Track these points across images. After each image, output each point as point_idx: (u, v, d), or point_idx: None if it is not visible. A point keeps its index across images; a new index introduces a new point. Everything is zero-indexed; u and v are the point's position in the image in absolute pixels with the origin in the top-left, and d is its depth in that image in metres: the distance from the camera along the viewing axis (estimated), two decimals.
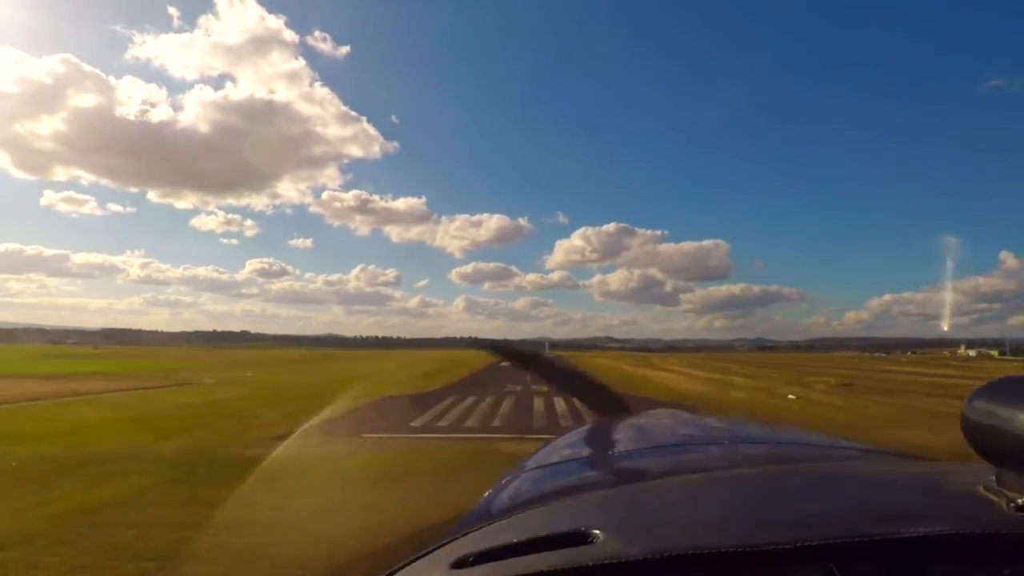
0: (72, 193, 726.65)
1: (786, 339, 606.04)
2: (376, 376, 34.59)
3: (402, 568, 0.74)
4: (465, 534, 0.79)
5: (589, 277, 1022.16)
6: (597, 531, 0.65)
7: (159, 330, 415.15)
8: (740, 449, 1.28)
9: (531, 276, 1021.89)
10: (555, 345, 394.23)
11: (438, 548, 0.77)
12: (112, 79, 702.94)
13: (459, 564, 0.67)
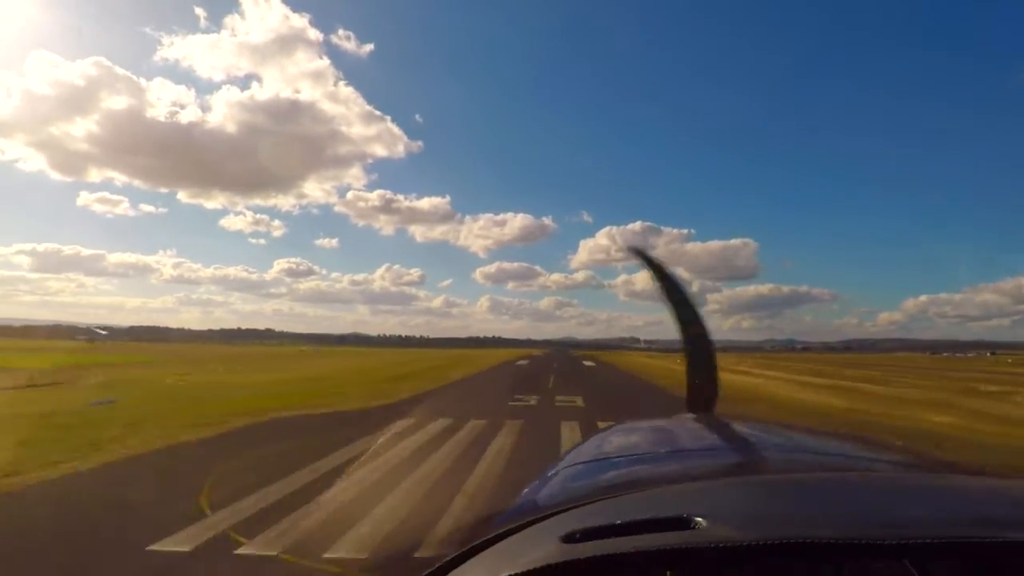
0: (106, 194, 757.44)
1: (818, 340, 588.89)
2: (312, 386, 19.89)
3: (511, 535, 0.79)
4: (566, 510, 0.83)
5: (614, 277, 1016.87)
6: (699, 518, 0.66)
7: (186, 328, 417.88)
8: (826, 452, 1.27)
9: (555, 276, 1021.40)
10: (580, 345, 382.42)
11: (540, 520, 0.81)
12: (143, 81, 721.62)
13: (568, 539, 0.69)
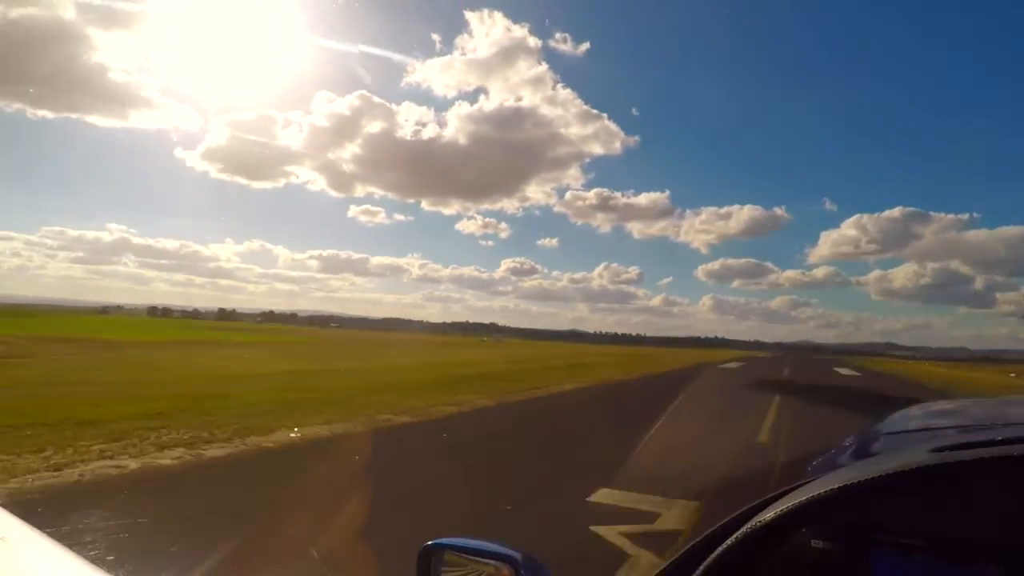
0: (368, 206, 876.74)
1: None
2: None
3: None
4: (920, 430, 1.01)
5: (864, 273, 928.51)
6: None
7: (423, 320, 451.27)
8: None
9: (789, 272, 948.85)
10: (820, 349, 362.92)
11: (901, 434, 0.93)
12: (393, 106, 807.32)
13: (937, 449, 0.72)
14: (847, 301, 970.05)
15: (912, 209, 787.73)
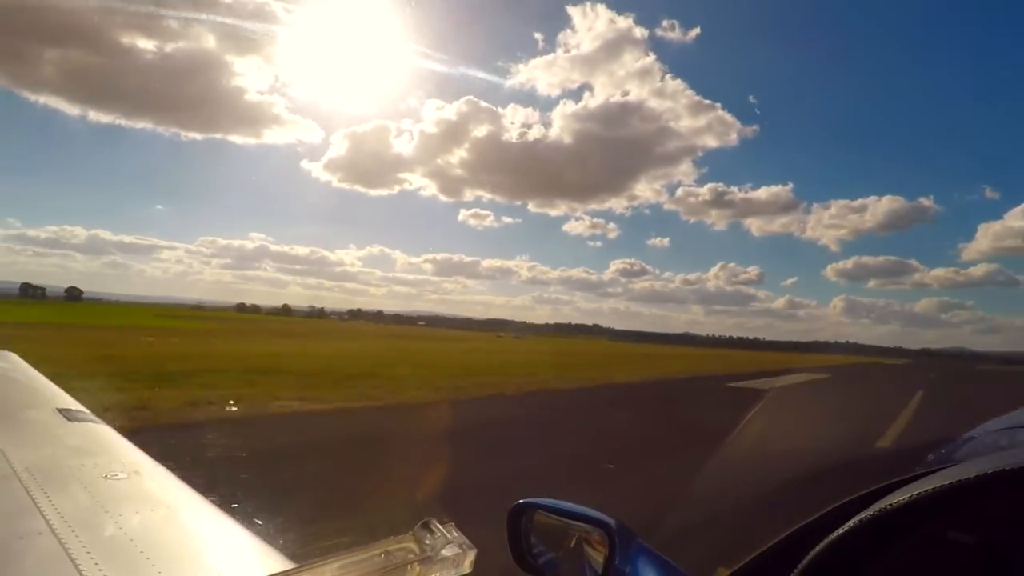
0: (477, 210, 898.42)
1: None
2: None
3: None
4: None
5: None
6: None
7: (525, 321, 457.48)
8: None
9: (937, 271, 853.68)
10: (979, 358, 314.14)
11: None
12: (499, 109, 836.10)
13: None
14: (1014, 303, 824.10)
15: None
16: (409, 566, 0.57)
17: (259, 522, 4.43)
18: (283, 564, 1.05)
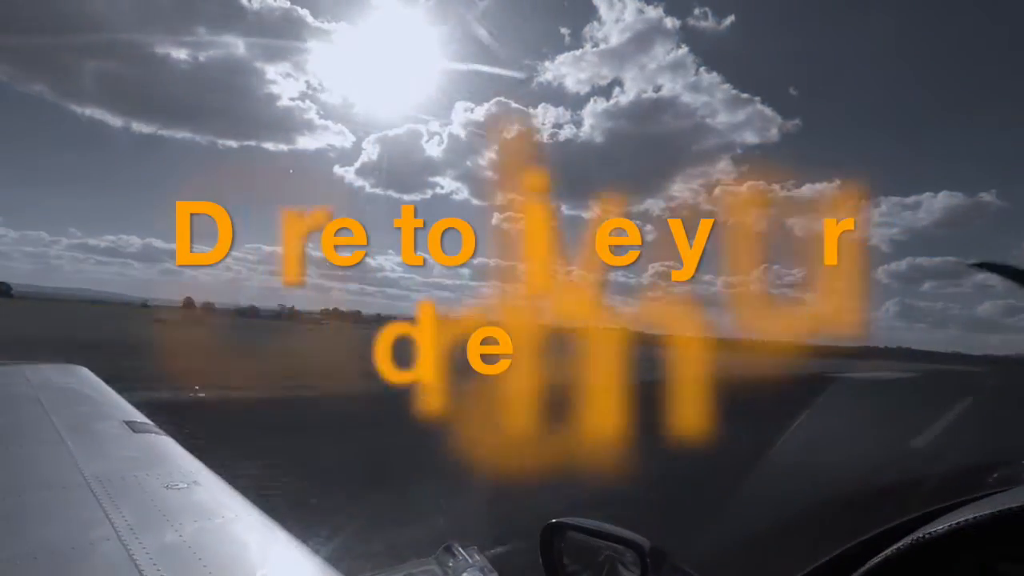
0: (510, 213, 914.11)
1: None
2: None
3: None
4: None
5: None
6: None
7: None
8: None
9: None
10: None
11: None
12: (529, 109, 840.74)
13: None
14: None
15: None
16: None
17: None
18: (325, 572, 1.08)
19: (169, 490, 1.45)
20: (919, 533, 0.62)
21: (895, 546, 0.63)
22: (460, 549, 0.65)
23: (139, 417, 2.21)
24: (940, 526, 0.62)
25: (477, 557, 0.63)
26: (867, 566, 0.65)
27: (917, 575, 0.64)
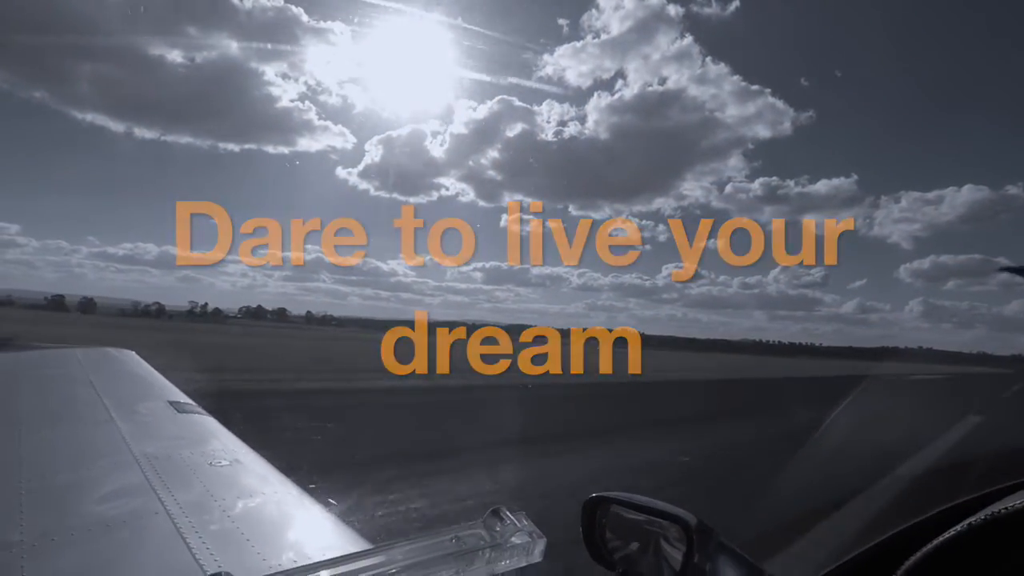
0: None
1: None
2: None
3: None
4: None
5: None
6: None
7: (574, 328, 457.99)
8: None
9: None
10: None
11: None
12: (533, 106, 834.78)
13: None
14: None
15: None
16: (480, 552, 0.58)
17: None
18: (360, 544, 1.11)
19: (212, 467, 1.51)
20: (976, 517, 0.59)
21: (950, 531, 0.60)
22: (508, 514, 0.64)
23: (183, 398, 2.30)
24: (990, 511, 0.58)
25: (525, 522, 0.62)
26: (919, 553, 0.61)
27: (989, 552, 0.61)
